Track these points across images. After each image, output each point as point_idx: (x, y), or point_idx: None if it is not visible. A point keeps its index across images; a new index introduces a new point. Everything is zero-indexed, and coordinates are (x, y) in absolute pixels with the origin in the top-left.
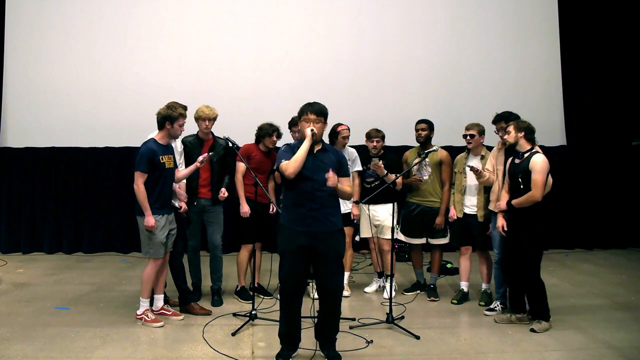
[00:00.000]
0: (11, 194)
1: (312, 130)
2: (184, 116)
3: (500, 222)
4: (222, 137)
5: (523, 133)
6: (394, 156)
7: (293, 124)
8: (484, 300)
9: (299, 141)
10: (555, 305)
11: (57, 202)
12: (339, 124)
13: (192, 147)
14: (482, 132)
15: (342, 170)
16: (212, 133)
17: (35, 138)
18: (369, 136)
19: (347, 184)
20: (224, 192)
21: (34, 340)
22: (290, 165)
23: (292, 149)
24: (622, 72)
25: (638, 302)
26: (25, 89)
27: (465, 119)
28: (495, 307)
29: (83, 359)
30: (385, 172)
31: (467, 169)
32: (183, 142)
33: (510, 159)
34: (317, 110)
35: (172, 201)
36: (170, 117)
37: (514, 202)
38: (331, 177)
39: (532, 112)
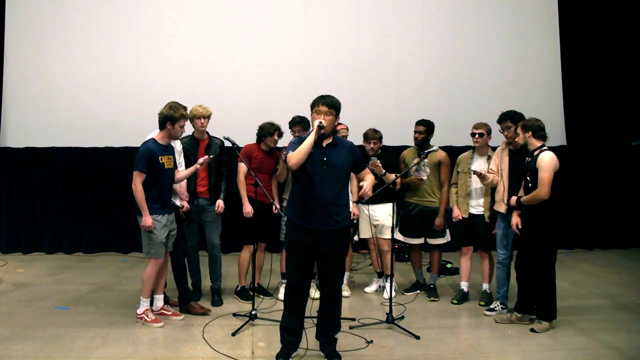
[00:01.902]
0: (11, 194)
1: (320, 122)
2: (185, 117)
3: (515, 220)
4: (222, 137)
5: (530, 132)
6: (392, 156)
7: (293, 123)
8: (484, 300)
9: (310, 132)
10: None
11: (57, 202)
12: (338, 123)
13: (189, 148)
14: (489, 132)
15: (357, 164)
16: (207, 132)
17: (35, 138)
18: (366, 137)
19: (368, 174)
20: (220, 208)
21: (34, 340)
22: (294, 156)
23: (301, 141)
24: (622, 72)
25: (638, 302)
26: (25, 89)
27: (465, 119)
28: (495, 307)
29: (83, 359)
30: (384, 171)
31: (472, 171)
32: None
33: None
34: (328, 103)
35: (173, 200)
36: (171, 117)
37: (522, 199)
38: (364, 191)
39: (532, 112)
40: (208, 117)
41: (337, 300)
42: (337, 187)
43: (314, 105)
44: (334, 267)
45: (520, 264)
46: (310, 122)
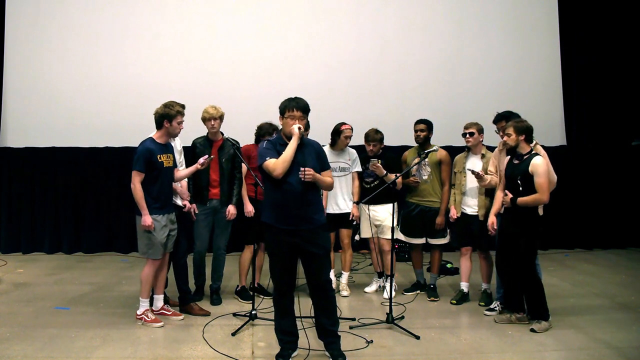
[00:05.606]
0: (11, 194)
1: (299, 128)
2: (182, 114)
3: (491, 220)
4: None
5: (524, 136)
6: (393, 156)
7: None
8: (484, 301)
9: (278, 137)
10: (555, 305)
11: (57, 202)
12: (343, 123)
13: (202, 148)
14: (480, 130)
15: (323, 163)
16: (221, 133)
17: (35, 138)
18: (367, 138)
19: (328, 175)
20: (230, 215)
21: (34, 340)
22: (279, 166)
23: (274, 146)
24: (622, 73)
25: (638, 302)
26: (25, 89)
27: (465, 119)
28: (495, 307)
29: (83, 359)
30: (385, 172)
31: (467, 170)
32: (193, 143)
33: (507, 159)
34: (302, 107)
35: (174, 200)
36: (168, 115)
37: (519, 200)
38: (306, 172)
39: (532, 112)
40: (219, 118)
41: (331, 294)
42: (311, 185)
43: (285, 109)
44: (322, 263)
45: (501, 263)
46: (284, 127)
